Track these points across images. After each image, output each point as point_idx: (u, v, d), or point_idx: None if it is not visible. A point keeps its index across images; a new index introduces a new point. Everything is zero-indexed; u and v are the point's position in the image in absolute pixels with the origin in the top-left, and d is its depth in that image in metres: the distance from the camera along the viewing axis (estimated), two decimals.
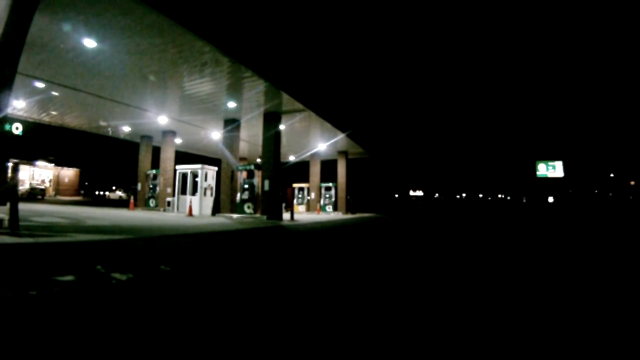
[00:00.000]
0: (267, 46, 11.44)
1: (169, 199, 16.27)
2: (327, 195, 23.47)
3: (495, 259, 4.78)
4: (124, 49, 9.04)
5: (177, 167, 15.24)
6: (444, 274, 3.66)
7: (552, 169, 35.19)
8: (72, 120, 16.52)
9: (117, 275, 2.84)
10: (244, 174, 14.23)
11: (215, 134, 17.61)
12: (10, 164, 5.52)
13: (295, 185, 25.25)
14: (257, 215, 13.46)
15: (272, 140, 13.97)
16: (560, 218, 17.72)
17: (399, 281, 3.22)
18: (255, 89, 11.57)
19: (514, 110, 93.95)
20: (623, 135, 61.79)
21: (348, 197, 23.51)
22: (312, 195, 23.45)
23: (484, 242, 6.97)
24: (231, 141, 14.72)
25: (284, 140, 16.51)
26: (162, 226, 8.22)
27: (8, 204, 5.33)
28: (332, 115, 16.28)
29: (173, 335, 1.69)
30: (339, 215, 20.51)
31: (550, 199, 52.79)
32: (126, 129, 17.66)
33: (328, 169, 24.65)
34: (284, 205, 14.08)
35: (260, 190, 13.77)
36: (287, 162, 24.62)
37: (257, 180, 13.86)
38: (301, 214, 19.82)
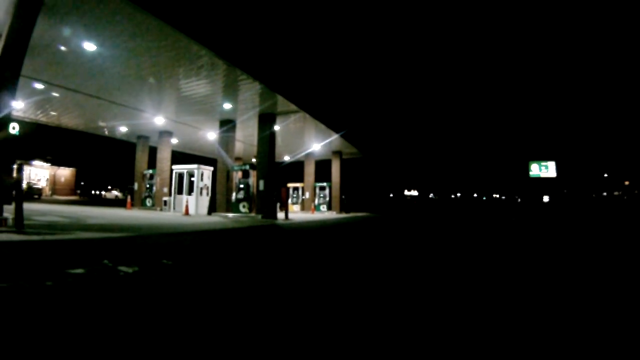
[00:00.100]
0: (262, 49, 11.73)
1: (165, 198, 16.50)
2: (322, 195, 23.78)
3: (485, 256, 5.00)
4: (122, 52, 9.31)
5: (174, 167, 15.43)
6: (433, 270, 3.97)
7: (544, 169, 35.64)
8: (70, 120, 16.71)
9: (123, 268, 3.14)
10: (240, 173, 14.52)
11: (211, 135, 17.84)
12: (15, 165, 5.78)
13: (290, 184, 25.51)
14: (252, 214, 13.77)
15: (267, 141, 14.25)
16: (553, 217, 18.11)
17: (389, 276, 3.55)
18: (251, 91, 11.86)
19: (508, 111, 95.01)
20: (616, 136, 62.85)
21: (342, 196, 23.85)
22: (307, 194, 23.71)
23: (474, 238, 7.28)
24: (227, 141, 15.02)
25: (278, 140, 16.79)
26: (160, 225, 8.50)
27: (13, 204, 5.58)
28: (326, 116, 16.58)
29: (180, 317, 2.00)
30: (333, 215, 20.83)
31: (546, 199, 53.45)
32: (123, 129, 17.85)
33: (322, 169, 24.93)
34: (278, 204, 14.35)
35: (255, 190, 14.07)
36: (282, 162, 24.86)
37: (252, 180, 14.17)
38: (296, 213, 20.11)
